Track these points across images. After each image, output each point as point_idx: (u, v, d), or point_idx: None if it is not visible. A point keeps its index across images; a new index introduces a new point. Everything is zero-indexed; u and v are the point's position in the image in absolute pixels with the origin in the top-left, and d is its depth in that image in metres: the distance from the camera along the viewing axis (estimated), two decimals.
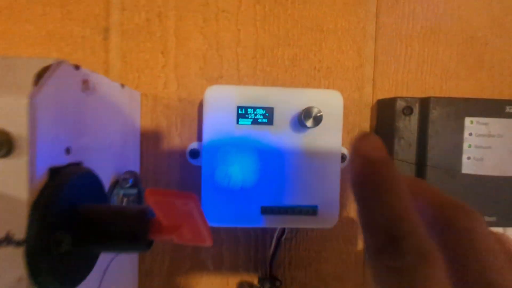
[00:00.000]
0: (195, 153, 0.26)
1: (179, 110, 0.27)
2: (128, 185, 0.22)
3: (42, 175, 0.14)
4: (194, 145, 0.26)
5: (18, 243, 0.13)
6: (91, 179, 0.17)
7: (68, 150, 0.16)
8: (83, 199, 0.16)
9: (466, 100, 0.24)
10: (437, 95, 0.28)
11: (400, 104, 0.25)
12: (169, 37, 0.26)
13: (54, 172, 0.15)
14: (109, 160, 0.20)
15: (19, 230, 0.13)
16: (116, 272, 0.22)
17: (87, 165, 0.17)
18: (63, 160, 0.15)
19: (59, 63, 0.15)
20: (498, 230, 0.25)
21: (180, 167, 0.27)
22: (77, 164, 0.17)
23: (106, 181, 0.20)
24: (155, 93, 0.27)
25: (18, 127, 0.13)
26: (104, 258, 0.20)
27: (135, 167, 0.26)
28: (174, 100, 0.27)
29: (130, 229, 0.15)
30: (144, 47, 0.26)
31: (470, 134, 0.24)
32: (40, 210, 0.13)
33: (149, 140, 0.27)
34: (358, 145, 0.12)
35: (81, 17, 0.26)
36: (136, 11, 0.26)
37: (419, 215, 0.11)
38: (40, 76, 0.14)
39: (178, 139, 0.27)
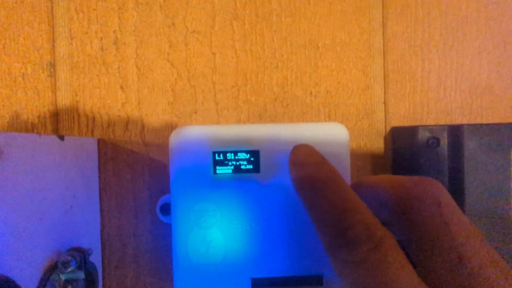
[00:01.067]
0: (167, 209, 0.21)
1: (145, 157, 0.22)
2: (70, 268, 0.16)
3: None
4: (166, 198, 0.21)
5: None
6: None
7: None
8: None
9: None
10: (467, 116, 0.22)
11: (423, 135, 0.20)
12: (129, 68, 0.22)
13: None
14: (37, 244, 0.15)
15: None
16: None
17: None
18: None
19: None
20: None
21: (150, 227, 0.22)
22: None
23: (33, 274, 0.15)
24: (114, 138, 0.21)
25: None
26: None
27: (92, 234, 0.21)
28: (139, 145, 0.22)
29: None
30: (100, 82, 0.21)
31: None
32: None
33: (111, 197, 0.22)
34: (292, 157, 0.15)
35: (21, 51, 0.21)
36: (87, 39, 0.21)
37: (362, 203, 0.12)
38: None
39: (146, 192, 0.22)
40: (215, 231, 0.19)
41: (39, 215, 0.15)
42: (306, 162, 0.14)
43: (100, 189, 0.21)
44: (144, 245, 0.22)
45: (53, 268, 0.16)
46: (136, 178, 0.22)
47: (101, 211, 0.21)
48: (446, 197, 0.13)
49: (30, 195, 0.15)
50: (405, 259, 0.12)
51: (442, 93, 0.23)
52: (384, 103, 0.23)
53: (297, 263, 0.19)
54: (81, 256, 0.17)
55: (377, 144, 0.22)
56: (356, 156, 0.22)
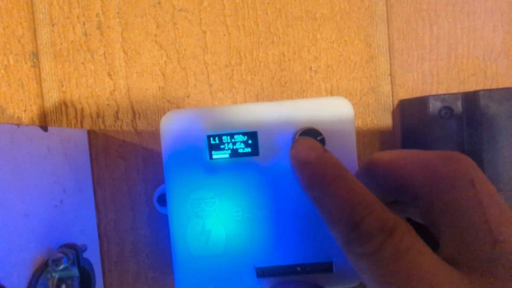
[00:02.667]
0: (165, 200, 0.20)
1: (139, 147, 0.21)
2: (62, 265, 0.15)
3: None
4: (162, 189, 0.20)
5: None
6: None
7: None
8: None
9: None
10: (481, 84, 0.21)
11: (435, 105, 0.18)
12: (116, 53, 0.20)
13: None
14: (24, 242, 0.14)
15: None
16: None
17: None
18: None
19: None
20: None
21: (148, 220, 0.21)
22: None
23: (22, 273, 0.14)
24: (104, 129, 0.20)
25: None
26: None
27: (88, 228, 0.20)
28: (131, 134, 0.21)
29: None
30: (85, 70, 0.20)
31: None
32: None
33: (106, 190, 0.21)
34: (293, 153, 0.14)
35: (1, 42, 0.20)
36: (69, 24, 0.20)
37: (371, 195, 0.12)
38: None
39: (142, 184, 0.21)
40: (214, 220, 0.18)
41: (24, 211, 0.14)
42: (309, 157, 0.14)
43: (93, 182, 0.20)
44: (143, 239, 0.21)
45: (44, 266, 0.15)
46: (131, 169, 0.21)
47: (96, 205, 0.20)
48: (479, 175, 0.12)
49: (11, 189, 0.14)
50: (422, 243, 0.11)
51: (453, 61, 0.21)
52: (390, 75, 0.21)
53: (304, 250, 0.18)
54: (73, 252, 0.16)
55: (385, 120, 0.21)
56: (363, 134, 0.21)
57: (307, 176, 0.13)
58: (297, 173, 0.14)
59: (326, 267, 0.18)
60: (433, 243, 0.12)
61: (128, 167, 0.20)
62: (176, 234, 0.18)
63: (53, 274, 0.15)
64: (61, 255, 0.15)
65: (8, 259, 0.13)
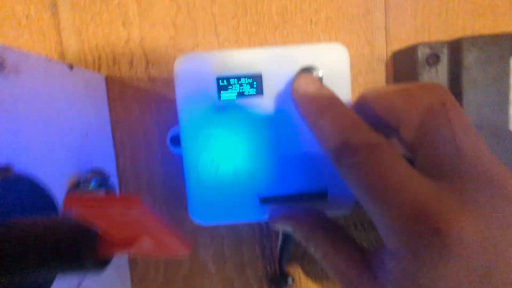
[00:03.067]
0: (177, 140, 0.22)
1: (152, 92, 0.22)
2: (91, 186, 0.18)
3: None
4: (175, 130, 0.22)
5: None
6: (25, 186, 0.13)
7: None
8: (14, 211, 0.12)
9: None
10: None
11: (423, 52, 0.20)
12: (129, 3, 0.22)
13: None
14: (60, 159, 0.17)
15: None
16: (95, 282, 0.19)
17: (23, 168, 0.14)
18: None
19: None
20: None
21: (162, 159, 0.23)
22: (5, 170, 0.13)
23: (60, 185, 0.16)
24: (120, 75, 0.22)
25: None
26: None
27: (108, 163, 0.22)
28: (144, 81, 0.22)
29: (69, 247, 0.11)
30: (101, 20, 0.22)
31: None
32: None
33: (123, 131, 0.23)
34: (294, 86, 0.16)
35: None
36: None
37: (360, 119, 0.14)
38: None
39: (155, 126, 0.23)
40: (223, 154, 0.20)
41: (59, 136, 0.16)
42: (307, 89, 0.16)
43: (111, 124, 0.22)
44: (157, 176, 0.23)
45: (76, 186, 0.17)
46: (145, 113, 0.23)
47: (114, 145, 0.22)
48: (451, 99, 0.14)
49: (47, 115, 0.16)
50: (400, 157, 0.13)
51: (445, 15, 0.22)
52: (385, 28, 0.22)
53: (302, 181, 0.20)
54: (101, 176, 0.18)
55: (379, 70, 0.23)
56: (357, 83, 0.23)
57: (306, 105, 0.16)
58: (297, 103, 0.16)
59: (321, 196, 0.20)
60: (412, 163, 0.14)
61: (142, 111, 0.22)
62: (189, 167, 0.20)
63: None
64: (91, 176, 0.18)
65: (50, 174, 0.15)
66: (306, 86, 0.16)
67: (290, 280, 0.24)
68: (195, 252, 0.24)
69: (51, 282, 0.14)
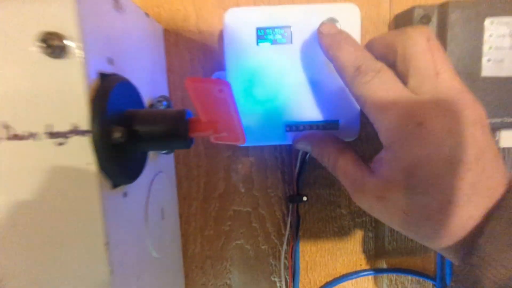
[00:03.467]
0: None
1: (200, 43, 0.28)
2: (162, 107, 0.23)
3: (94, 78, 0.16)
4: (217, 74, 0.28)
5: (84, 133, 0.15)
6: (131, 88, 0.19)
7: (110, 61, 0.18)
8: (128, 103, 0.18)
9: (487, 0, 0.24)
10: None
11: (418, 13, 0.25)
12: None
13: (104, 76, 0.16)
14: (142, 83, 0.22)
15: (82, 122, 0.15)
16: (159, 190, 0.25)
17: (132, 81, 0.19)
18: (107, 68, 0.17)
19: None
20: None
21: None
22: (119, 75, 0.19)
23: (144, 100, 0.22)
24: (175, 28, 0.28)
25: (70, 28, 0.15)
26: (148, 173, 0.22)
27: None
28: (194, 33, 0.28)
29: (172, 127, 0.17)
30: None
31: (491, 36, 0.24)
32: (99, 107, 0.15)
33: (175, 73, 0.28)
34: (319, 30, 0.22)
35: None
36: None
37: (368, 51, 0.20)
38: None
39: (201, 70, 0.28)
40: (259, 88, 0.25)
41: (140, 65, 0.22)
42: (330, 31, 0.21)
43: (167, 68, 0.28)
44: None
45: (150, 107, 0.23)
46: (194, 60, 0.28)
47: (168, 84, 0.28)
48: (433, 36, 0.18)
49: (137, 47, 0.21)
50: (396, 78, 0.18)
51: None
52: None
53: (320, 112, 0.25)
54: (167, 101, 0.24)
55: (383, 31, 0.28)
56: (365, 40, 0.28)
57: (328, 42, 0.21)
58: (322, 42, 0.21)
59: (334, 125, 0.26)
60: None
61: (192, 58, 0.28)
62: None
63: None
64: (162, 99, 0.23)
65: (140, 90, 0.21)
66: (329, 29, 0.21)
67: (304, 198, 0.30)
68: (229, 175, 0.30)
69: (144, 162, 0.20)
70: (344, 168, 0.21)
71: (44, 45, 0.14)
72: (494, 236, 0.16)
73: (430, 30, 0.19)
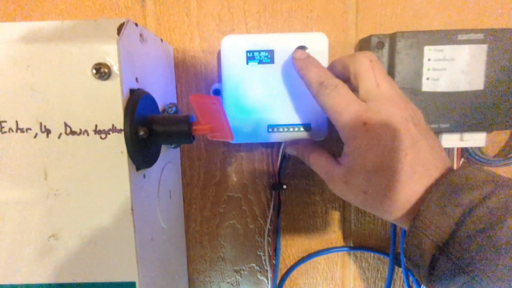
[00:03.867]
0: (217, 92, 0.35)
1: (202, 60, 0.35)
2: (172, 112, 0.30)
3: (126, 92, 0.23)
4: (215, 85, 0.35)
5: (119, 131, 0.22)
6: (151, 100, 0.26)
7: (137, 80, 0.25)
8: (148, 110, 0.25)
9: (425, 32, 0.30)
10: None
11: (374, 40, 0.32)
12: (191, 2, 0.34)
13: (132, 92, 0.23)
14: (157, 94, 0.29)
15: (118, 123, 0.22)
16: (168, 176, 0.32)
17: (151, 93, 0.26)
18: (134, 85, 0.24)
19: (128, 21, 0.23)
20: (453, 135, 0.32)
21: None
22: (142, 90, 0.26)
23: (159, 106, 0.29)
24: (183, 48, 0.35)
25: (113, 60, 0.22)
26: (160, 162, 0.29)
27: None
28: (198, 52, 0.35)
29: (180, 128, 0.24)
30: (173, 11, 0.34)
31: (429, 60, 0.31)
32: (130, 113, 0.22)
33: (182, 84, 0.35)
34: (293, 55, 0.28)
35: None
36: None
37: (329, 71, 0.26)
38: (119, 29, 0.22)
39: (203, 82, 0.35)
40: (247, 97, 0.32)
41: (156, 79, 0.29)
42: (300, 57, 0.28)
43: (175, 79, 0.35)
44: None
45: (163, 111, 0.30)
46: (197, 73, 0.35)
47: (177, 92, 0.35)
48: (375, 58, 0.24)
49: (154, 67, 0.28)
50: (349, 91, 0.24)
51: (395, 17, 0.34)
52: (356, 24, 0.34)
53: (296, 117, 0.32)
54: (176, 107, 0.31)
55: (349, 51, 0.35)
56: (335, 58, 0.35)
57: (300, 65, 0.27)
58: (294, 64, 0.28)
59: (307, 128, 0.32)
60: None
61: (195, 72, 0.35)
62: (227, 106, 0.32)
63: None
64: (172, 106, 0.30)
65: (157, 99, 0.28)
66: (300, 55, 0.28)
67: (284, 186, 0.36)
68: (224, 166, 0.37)
69: (159, 153, 0.27)
70: (318, 162, 0.28)
71: (95, 72, 0.21)
72: (430, 204, 0.20)
73: (372, 53, 0.25)
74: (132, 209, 0.23)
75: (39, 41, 0.22)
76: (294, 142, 0.32)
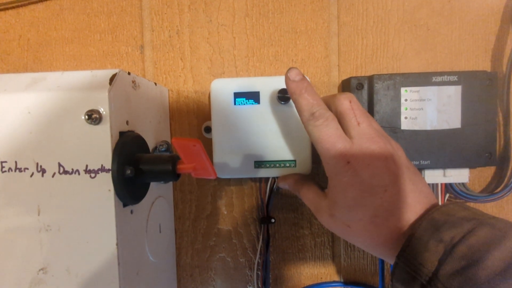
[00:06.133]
0: (208, 129, 0.37)
1: (195, 100, 0.37)
2: (163, 149, 0.33)
3: (116, 135, 0.25)
4: (207, 123, 0.37)
5: (107, 170, 0.24)
6: (141, 140, 0.28)
7: (127, 122, 0.27)
8: (137, 150, 0.27)
9: (402, 74, 0.32)
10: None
11: (354, 82, 0.34)
12: (185, 47, 0.37)
13: (122, 134, 0.26)
14: (150, 133, 0.31)
15: (107, 164, 0.24)
16: (157, 210, 0.33)
17: (139, 132, 0.28)
18: (124, 128, 0.26)
19: (120, 71, 0.26)
20: (435, 171, 0.33)
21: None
22: (132, 131, 0.28)
23: (149, 147, 0.31)
24: (177, 89, 0.37)
25: (104, 107, 0.24)
26: (150, 197, 0.31)
27: (167, 139, 0.37)
28: (191, 93, 0.37)
29: (166, 166, 0.26)
30: (168, 56, 0.37)
31: (406, 100, 0.32)
32: (118, 154, 0.24)
33: (176, 121, 0.38)
34: (287, 74, 0.26)
35: (125, 39, 0.37)
36: (161, 30, 0.37)
37: (322, 102, 0.25)
38: (112, 79, 0.25)
39: (195, 120, 0.38)
40: (236, 134, 0.34)
41: (149, 120, 0.31)
42: (295, 78, 0.26)
43: (170, 117, 0.37)
44: None
45: (154, 149, 0.32)
46: (190, 112, 0.37)
47: (170, 130, 0.37)
48: (355, 99, 0.25)
49: (147, 109, 0.31)
50: (339, 126, 0.24)
51: (375, 59, 0.36)
52: (338, 66, 0.37)
53: (281, 153, 0.34)
54: (167, 145, 0.33)
55: (333, 91, 0.37)
56: None
57: (293, 88, 0.25)
58: (287, 85, 0.26)
59: (291, 163, 0.34)
60: None
61: (188, 110, 0.37)
62: (215, 143, 0.34)
63: (157, 153, 0.33)
64: (163, 144, 0.32)
65: (146, 139, 0.30)
66: (294, 75, 0.26)
67: (272, 220, 0.37)
68: (214, 200, 0.38)
69: (147, 189, 0.29)
70: (307, 195, 0.29)
71: (87, 117, 0.24)
72: (414, 241, 0.21)
73: (352, 94, 0.26)
74: (117, 244, 0.25)
75: (40, 89, 0.25)
76: (285, 177, 0.33)
